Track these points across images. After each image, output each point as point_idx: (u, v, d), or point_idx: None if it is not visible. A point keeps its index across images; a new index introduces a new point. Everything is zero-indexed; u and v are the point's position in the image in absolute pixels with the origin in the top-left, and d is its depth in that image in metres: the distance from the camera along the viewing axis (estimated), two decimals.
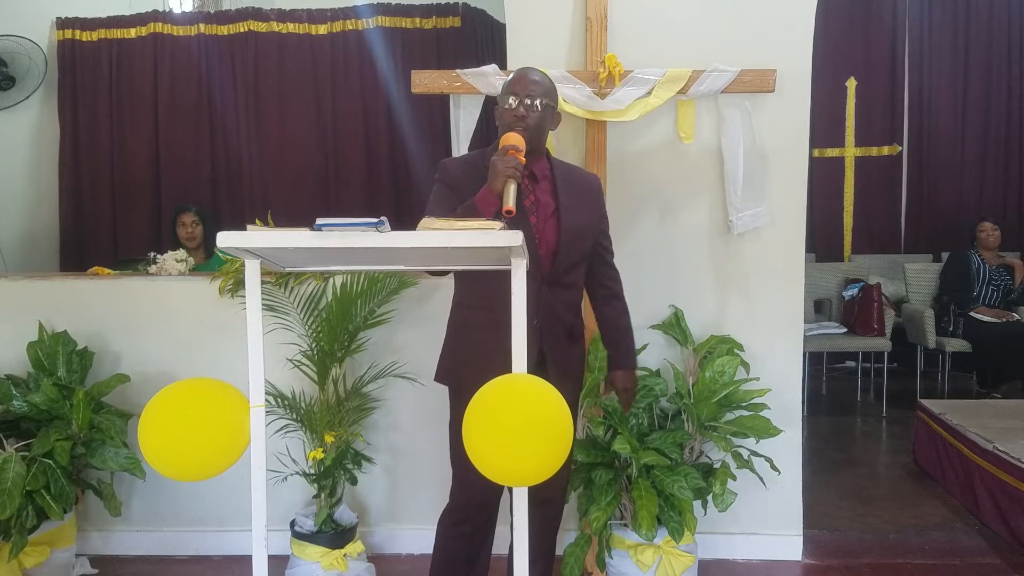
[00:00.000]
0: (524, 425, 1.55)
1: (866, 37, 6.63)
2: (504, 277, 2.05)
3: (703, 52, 2.89)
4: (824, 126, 6.53)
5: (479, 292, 2.19)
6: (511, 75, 2.22)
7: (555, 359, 2.21)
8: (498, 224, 1.58)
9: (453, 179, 2.18)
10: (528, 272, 2.05)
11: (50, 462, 2.67)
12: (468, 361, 2.18)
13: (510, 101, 2.13)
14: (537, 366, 2.12)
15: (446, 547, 2.33)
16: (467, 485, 2.25)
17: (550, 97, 2.18)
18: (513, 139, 2.03)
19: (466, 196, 2.07)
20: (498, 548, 2.51)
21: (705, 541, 2.95)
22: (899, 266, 6.08)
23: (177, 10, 5.91)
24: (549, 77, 2.24)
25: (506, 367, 2.01)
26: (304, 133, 5.81)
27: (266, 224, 2.27)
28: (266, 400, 1.75)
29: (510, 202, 1.90)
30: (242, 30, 5.78)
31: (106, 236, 5.82)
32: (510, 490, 2.24)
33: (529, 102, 2.12)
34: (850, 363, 6.33)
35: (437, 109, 5.43)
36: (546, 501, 2.24)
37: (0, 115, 5.59)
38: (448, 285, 2.76)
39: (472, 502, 2.26)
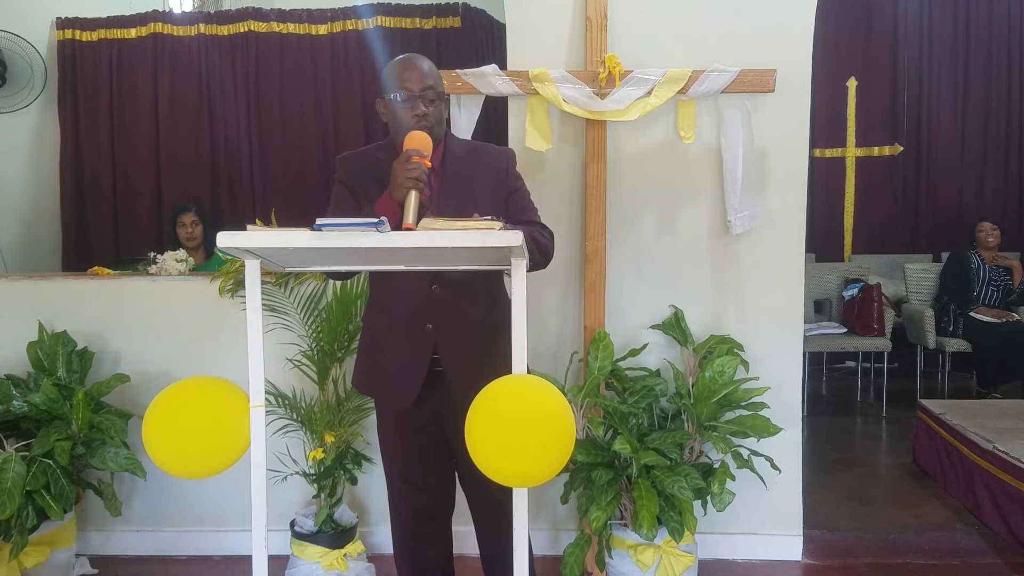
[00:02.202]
0: (525, 425, 1.55)
1: (866, 37, 6.63)
2: (399, 276, 1.96)
3: (703, 52, 2.89)
4: (825, 126, 6.53)
5: (379, 294, 2.10)
6: (396, 65, 2.01)
7: (459, 366, 2.01)
8: (498, 224, 1.57)
9: (348, 177, 2.06)
10: (415, 272, 1.93)
11: (50, 462, 2.67)
12: (373, 364, 2.11)
13: (403, 96, 1.95)
14: (432, 378, 2.01)
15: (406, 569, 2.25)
16: (407, 499, 2.19)
17: (442, 85, 2.03)
18: (418, 141, 1.84)
19: (361, 194, 1.98)
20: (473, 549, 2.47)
21: (705, 541, 2.95)
22: (899, 266, 6.08)
23: (177, 10, 5.91)
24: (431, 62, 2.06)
25: (407, 369, 2.01)
26: (304, 133, 5.81)
27: (266, 224, 2.27)
28: (266, 400, 1.75)
29: (410, 218, 1.71)
30: (242, 30, 5.78)
31: (107, 236, 5.83)
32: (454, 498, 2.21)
33: (427, 97, 1.96)
34: (850, 363, 6.33)
35: None
36: (486, 501, 2.13)
37: (0, 116, 5.59)
38: None
39: (421, 515, 2.20)
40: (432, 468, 2.17)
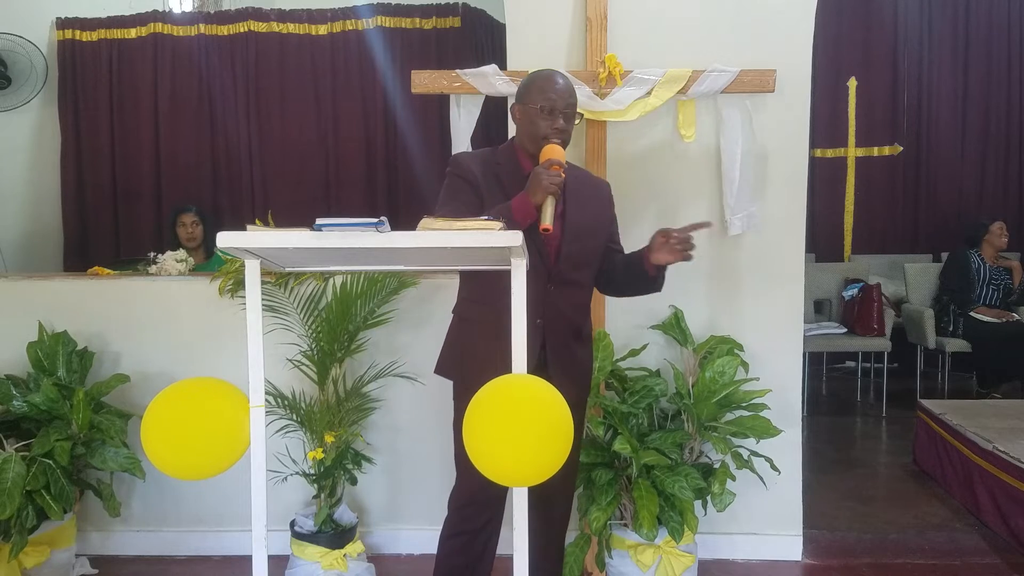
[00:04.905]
0: (522, 425, 1.55)
1: (866, 37, 6.63)
2: (506, 274, 2.02)
3: (703, 52, 2.89)
4: (825, 126, 6.53)
5: (483, 288, 2.17)
6: (542, 77, 2.16)
7: (558, 360, 2.17)
8: (497, 224, 1.58)
9: (470, 174, 2.15)
10: (535, 270, 2.05)
11: (50, 462, 2.67)
12: (474, 355, 2.17)
13: (547, 108, 2.09)
14: (539, 367, 2.09)
15: (450, 555, 2.27)
16: (470, 485, 2.20)
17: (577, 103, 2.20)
18: (557, 153, 2.02)
19: (484, 191, 2.10)
20: (504, 548, 2.50)
21: (705, 541, 2.95)
22: (899, 266, 6.08)
23: (177, 10, 5.90)
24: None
25: (507, 364, 2.02)
26: (304, 133, 5.81)
27: (266, 224, 2.27)
28: (266, 400, 1.76)
29: (548, 220, 1.89)
30: (242, 30, 5.78)
31: (108, 236, 5.82)
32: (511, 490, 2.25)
33: (567, 114, 2.11)
34: (850, 363, 6.33)
35: (436, 109, 5.43)
36: (545, 500, 2.20)
37: (0, 116, 5.59)
38: (449, 286, 2.77)
39: (475, 502, 2.22)
40: None
